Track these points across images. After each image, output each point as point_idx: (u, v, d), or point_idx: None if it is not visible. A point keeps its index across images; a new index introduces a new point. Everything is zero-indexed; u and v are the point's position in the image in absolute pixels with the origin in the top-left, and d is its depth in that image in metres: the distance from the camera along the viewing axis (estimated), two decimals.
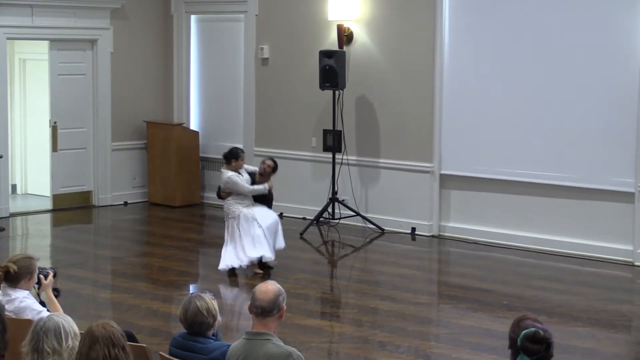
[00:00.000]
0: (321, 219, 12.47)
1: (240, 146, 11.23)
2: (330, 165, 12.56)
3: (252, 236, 9.85)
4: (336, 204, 12.49)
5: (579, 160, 10.91)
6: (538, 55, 11.11)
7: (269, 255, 9.90)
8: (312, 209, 12.69)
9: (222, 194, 10.14)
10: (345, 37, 12.51)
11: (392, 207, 12.27)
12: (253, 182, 10.14)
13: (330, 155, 12.60)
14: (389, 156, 12.33)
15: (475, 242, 11.49)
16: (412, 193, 12.13)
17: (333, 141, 12.62)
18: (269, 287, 4.84)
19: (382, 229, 12.18)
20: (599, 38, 10.69)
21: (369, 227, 12.29)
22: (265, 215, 10.05)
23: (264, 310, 4.78)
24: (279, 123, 13.36)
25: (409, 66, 12.10)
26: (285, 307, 4.86)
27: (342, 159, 12.59)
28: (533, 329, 4.03)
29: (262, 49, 13.42)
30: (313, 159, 13.03)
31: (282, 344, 4.77)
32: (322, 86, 12.23)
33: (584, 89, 10.81)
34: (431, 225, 11.99)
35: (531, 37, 11.16)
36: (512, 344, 4.05)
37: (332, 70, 12.08)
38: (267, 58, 13.42)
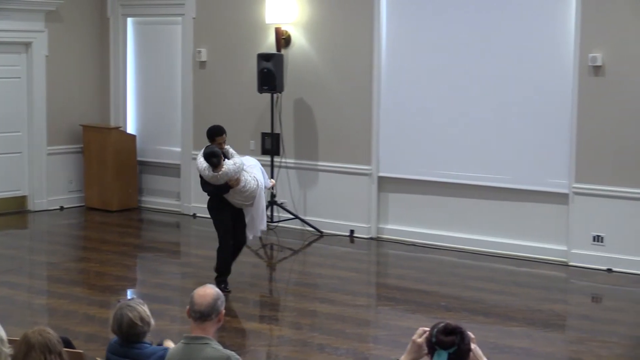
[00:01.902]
0: None
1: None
2: (269, 169, 12.55)
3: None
4: (275, 207, 12.49)
5: (515, 161, 11.05)
6: (474, 57, 11.23)
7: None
8: None
9: (233, 183, 9.20)
10: (283, 40, 12.52)
11: (330, 210, 12.30)
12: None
13: (268, 158, 12.59)
14: (327, 159, 12.36)
15: (413, 244, 11.57)
16: (351, 195, 12.17)
17: (271, 144, 12.62)
18: (208, 292, 4.83)
19: (321, 232, 12.21)
20: (534, 39, 10.83)
21: (307, 230, 12.31)
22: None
23: (202, 315, 4.77)
24: None
25: (346, 69, 12.15)
26: (224, 311, 4.85)
27: (280, 162, 12.61)
28: (443, 323, 4.07)
29: (199, 52, 13.37)
30: None
31: (221, 347, 4.77)
32: (260, 89, 12.23)
33: (519, 90, 10.95)
34: (369, 228, 12.04)
35: (467, 39, 11.27)
36: (429, 346, 4.07)
37: (270, 73, 12.09)
38: (205, 61, 13.37)
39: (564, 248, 10.73)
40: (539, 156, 10.87)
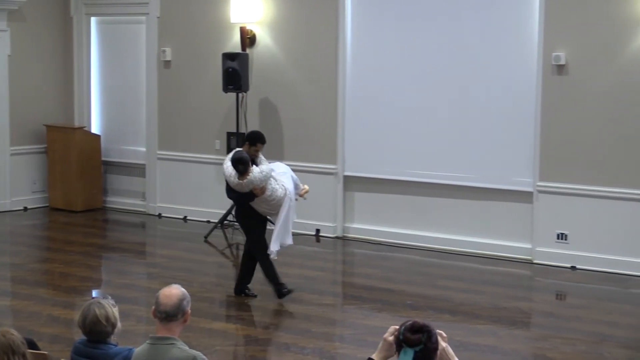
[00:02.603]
0: (225, 221, 12.42)
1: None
2: None
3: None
4: None
5: (479, 160, 11.10)
6: (439, 57, 11.27)
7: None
8: (216, 212, 12.63)
9: (258, 191, 8.82)
10: (248, 39, 12.49)
11: (298, 209, 12.26)
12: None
13: None
14: (293, 158, 12.33)
15: (379, 243, 11.59)
16: (316, 195, 12.13)
17: (237, 144, 12.58)
18: (173, 292, 4.80)
19: None
20: (499, 38, 10.89)
21: (272, 230, 12.26)
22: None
23: (168, 315, 4.74)
24: (182, 126, 13.28)
25: (312, 68, 12.15)
26: (189, 311, 4.83)
27: None
28: (411, 321, 4.07)
29: (164, 51, 13.32)
30: (217, 162, 12.96)
31: (187, 348, 4.75)
32: (226, 89, 12.20)
33: (484, 89, 11.00)
34: (335, 227, 12.06)
35: (432, 39, 11.31)
36: (397, 343, 4.07)
37: (235, 72, 12.06)
38: (170, 61, 13.32)
39: (529, 246, 10.80)
40: (503, 155, 10.93)
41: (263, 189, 8.76)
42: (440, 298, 9.31)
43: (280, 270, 10.73)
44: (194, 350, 4.73)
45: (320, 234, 12.09)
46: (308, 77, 12.20)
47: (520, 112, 10.78)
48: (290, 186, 9.07)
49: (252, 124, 12.51)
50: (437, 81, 11.30)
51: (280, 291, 9.07)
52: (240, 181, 8.67)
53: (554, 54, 10.43)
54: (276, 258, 9.10)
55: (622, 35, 10.10)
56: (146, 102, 13.65)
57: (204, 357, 4.71)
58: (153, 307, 4.80)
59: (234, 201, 9.15)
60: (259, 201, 8.87)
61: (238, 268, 9.53)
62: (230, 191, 8.93)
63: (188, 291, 4.88)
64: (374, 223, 11.84)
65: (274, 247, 9.03)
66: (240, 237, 12.10)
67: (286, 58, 12.35)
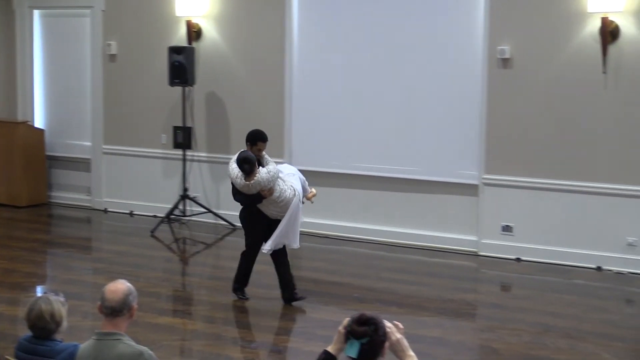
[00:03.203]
0: (172, 216, 12.38)
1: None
2: (181, 162, 12.49)
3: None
4: (187, 201, 12.43)
5: (425, 153, 11.17)
6: (386, 51, 11.31)
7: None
8: (162, 207, 12.59)
9: (266, 193, 8.48)
10: (194, 32, 12.44)
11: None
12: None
13: (180, 152, 12.52)
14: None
15: (327, 236, 11.62)
16: None
17: (183, 138, 12.55)
18: (119, 287, 4.78)
19: (234, 225, 12.18)
20: (444, 31, 10.96)
21: (220, 224, 12.27)
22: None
23: (113, 310, 4.72)
24: (128, 120, 13.19)
25: (258, 62, 12.13)
26: (136, 306, 4.81)
27: (192, 155, 12.54)
28: (359, 313, 4.09)
29: (109, 45, 13.21)
30: (163, 156, 12.93)
31: (134, 343, 4.73)
32: (172, 82, 12.15)
33: (430, 83, 11.07)
34: None
35: (378, 32, 11.35)
36: (345, 335, 4.09)
37: (182, 66, 12.01)
38: (115, 54, 13.22)
39: (475, 238, 10.90)
40: (449, 148, 11.01)
41: (271, 190, 8.39)
42: (386, 290, 9.36)
43: (227, 264, 10.74)
44: (140, 346, 4.72)
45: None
46: (255, 71, 12.19)
47: (466, 105, 10.87)
48: (299, 187, 8.72)
49: (198, 118, 12.48)
50: (384, 75, 11.35)
51: (235, 291, 8.97)
52: (247, 182, 8.30)
53: (499, 47, 10.53)
54: (266, 252, 8.78)
55: (566, 29, 10.22)
56: (91, 97, 13.53)
57: (151, 352, 4.69)
58: (99, 302, 4.78)
59: (241, 204, 8.68)
60: (267, 203, 8.50)
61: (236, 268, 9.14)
62: (237, 194, 8.55)
63: (134, 286, 4.86)
64: (321, 216, 11.85)
65: (270, 245, 8.68)
66: (186, 232, 12.07)
67: (232, 52, 12.32)
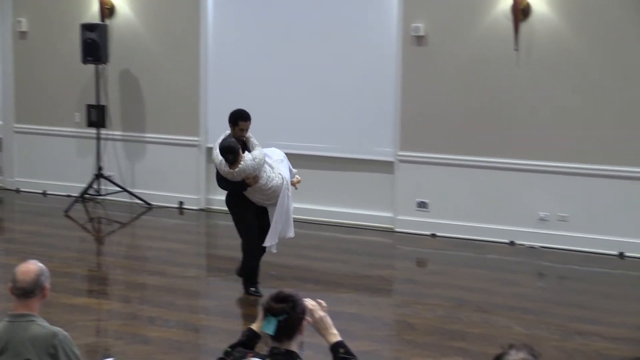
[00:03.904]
0: (86, 195, 12.23)
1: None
2: (95, 141, 12.34)
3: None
4: (102, 180, 12.29)
5: (341, 131, 11.21)
6: (301, 30, 11.31)
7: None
8: (76, 186, 12.43)
9: (251, 181, 8.07)
10: (107, 9, 12.27)
11: (159, 182, 12.20)
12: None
13: (94, 130, 12.36)
14: (154, 131, 12.24)
15: None
16: (179, 167, 12.10)
17: (97, 116, 12.39)
18: (30, 267, 4.71)
19: (150, 204, 12.10)
20: (358, 9, 10.99)
21: (136, 203, 12.18)
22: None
23: (25, 291, 4.65)
24: (41, 99, 12.97)
25: (173, 39, 12.03)
26: (48, 286, 4.75)
27: (107, 134, 12.40)
28: (277, 291, 4.11)
29: (19, 21, 12.95)
30: (77, 135, 12.75)
31: (47, 324, 4.67)
32: (85, 60, 11.98)
33: (345, 61, 11.10)
34: (199, 199, 12.02)
35: (294, 10, 11.33)
36: (263, 312, 4.10)
37: (94, 43, 11.84)
38: (26, 31, 12.97)
39: (390, 215, 10.99)
40: (365, 125, 11.07)
41: (256, 178, 8.00)
42: (303, 268, 9.39)
43: (143, 243, 10.68)
44: (54, 327, 4.66)
45: (184, 207, 12.03)
46: (169, 49, 12.08)
47: (381, 83, 10.93)
48: (287, 174, 8.37)
49: (113, 96, 12.33)
50: (299, 53, 11.34)
51: (247, 289, 8.42)
52: (232, 170, 7.91)
53: (413, 24, 10.60)
54: (275, 251, 8.40)
55: (479, 7, 10.33)
56: (1, 74, 13.26)
57: (66, 333, 4.64)
58: (10, 284, 4.70)
59: (225, 190, 8.28)
60: (253, 190, 8.10)
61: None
62: (221, 180, 8.14)
63: (48, 266, 4.79)
64: None
65: (271, 241, 8.28)
66: (101, 211, 11.95)
67: (146, 29, 12.18)
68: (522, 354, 3.17)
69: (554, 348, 7.06)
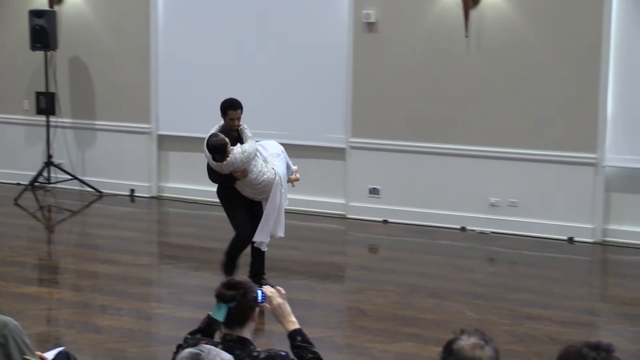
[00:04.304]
0: (36, 183, 12.11)
1: None
2: (45, 129, 12.21)
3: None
4: (52, 167, 12.17)
5: (293, 117, 11.20)
6: (251, 15, 11.27)
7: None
8: (26, 174, 12.30)
9: (239, 174, 7.80)
10: None
11: (110, 170, 12.11)
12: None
13: (44, 118, 12.24)
14: (105, 118, 12.15)
15: (195, 202, 11.56)
16: (130, 155, 12.03)
17: (46, 103, 12.26)
18: None
19: (101, 192, 12.02)
20: None
21: (86, 191, 12.08)
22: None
23: None
24: None
25: (123, 26, 11.93)
26: None
27: (56, 121, 12.27)
28: (229, 277, 4.11)
29: None
30: (26, 122, 12.61)
31: None
32: (33, 47, 11.84)
33: (296, 47, 11.09)
34: (150, 187, 11.95)
35: None
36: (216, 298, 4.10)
37: (43, 30, 11.71)
38: None
39: (342, 201, 11.01)
40: (316, 112, 11.07)
41: (245, 172, 7.72)
42: None
43: (94, 231, 10.62)
44: (4, 316, 4.62)
45: (135, 194, 11.96)
46: (119, 36, 11.98)
47: (333, 69, 10.93)
48: (282, 170, 8.02)
49: (62, 84, 12.21)
50: (250, 39, 11.31)
51: (254, 277, 8.01)
52: (220, 163, 7.69)
53: (364, 11, 10.61)
54: (265, 249, 8.11)
55: None
56: None
57: (16, 322, 4.60)
58: None
59: (215, 183, 8.02)
60: (243, 184, 7.84)
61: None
62: (211, 172, 7.90)
63: None
64: (189, 182, 11.78)
65: (261, 237, 7.98)
66: (51, 199, 11.84)
67: (96, 15, 12.06)
68: (473, 339, 3.20)
69: (505, 332, 7.14)
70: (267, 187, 7.86)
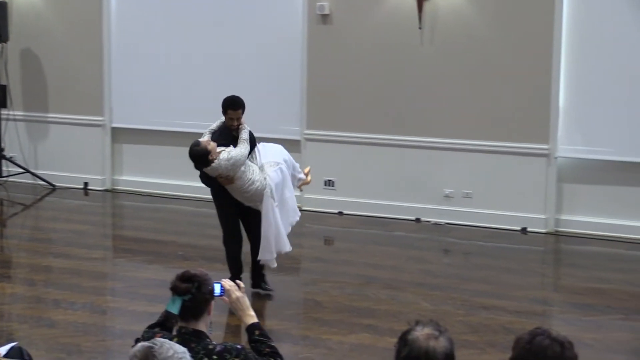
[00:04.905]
0: None
1: None
2: None
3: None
4: (3, 161, 12.04)
5: (248, 110, 11.11)
6: (206, 7, 11.22)
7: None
8: None
9: (223, 181, 7.51)
10: None
11: (63, 163, 12.01)
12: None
13: None
14: (58, 110, 12.04)
15: (149, 195, 11.51)
16: (84, 147, 11.93)
17: None
18: None
19: (54, 185, 11.91)
20: None
21: (39, 184, 11.97)
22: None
23: None
24: None
25: (75, 17, 11.83)
26: None
27: (8, 114, 12.14)
28: (183, 270, 4.10)
29: None
30: None
31: None
32: None
33: (251, 39, 11.06)
34: (104, 180, 11.87)
35: None
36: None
37: None
38: None
39: (297, 193, 10.97)
40: (271, 104, 11.05)
41: (230, 179, 7.40)
42: (211, 247, 9.34)
43: (47, 225, 10.53)
44: None
45: (89, 187, 11.88)
46: (71, 27, 11.87)
47: (287, 61, 10.92)
48: (277, 181, 7.60)
49: (13, 76, 12.08)
50: (204, 31, 11.26)
51: (258, 285, 7.97)
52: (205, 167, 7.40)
53: (318, 3, 10.61)
54: (275, 266, 7.80)
55: None
56: None
57: None
58: None
59: (206, 185, 7.73)
60: (231, 188, 7.52)
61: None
62: (202, 174, 7.61)
63: None
64: (143, 175, 11.73)
65: (266, 256, 7.66)
66: (3, 193, 11.71)
67: (47, 7, 11.94)
68: (427, 330, 3.22)
69: (460, 323, 7.19)
70: (255, 197, 7.53)
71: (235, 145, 7.48)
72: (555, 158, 9.96)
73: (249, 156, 7.55)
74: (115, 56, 11.74)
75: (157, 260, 8.92)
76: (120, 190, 11.82)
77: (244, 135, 7.56)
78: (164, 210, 10.96)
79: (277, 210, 7.62)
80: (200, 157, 7.32)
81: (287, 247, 7.77)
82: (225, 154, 7.34)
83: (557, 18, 9.78)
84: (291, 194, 7.91)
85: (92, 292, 7.93)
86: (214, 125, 7.78)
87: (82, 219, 10.61)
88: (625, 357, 6.64)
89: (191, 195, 11.35)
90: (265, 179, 7.52)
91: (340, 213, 10.75)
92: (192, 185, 11.39)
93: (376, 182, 10.63)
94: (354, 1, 10.53)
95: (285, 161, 7.84)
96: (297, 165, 8.07)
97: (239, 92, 11.03)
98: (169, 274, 4.01)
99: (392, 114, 10.50)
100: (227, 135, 7.59)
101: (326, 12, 10.58)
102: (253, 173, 7.47)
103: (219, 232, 9.89)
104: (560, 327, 6.69)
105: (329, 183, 10.84)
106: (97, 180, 11.89)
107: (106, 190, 11.83)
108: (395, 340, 3.27)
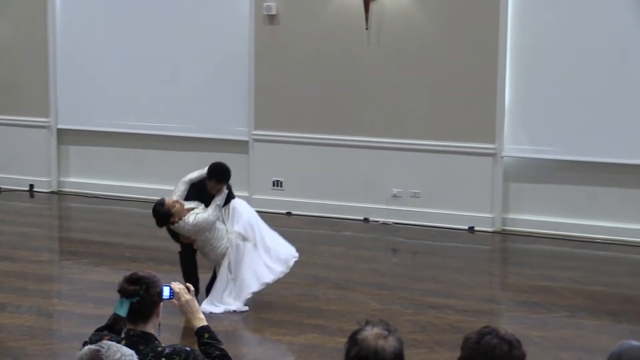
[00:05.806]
0: None
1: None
2: None
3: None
4: None
5: (195, 110, 11.14)
6: (153, 7, 11.16)
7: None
8: None
9: (184, 239, 7.56)
10: None
11: (8, 165, 11.87)
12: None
13: None
14: (2, 112, 11.90)
15: (96, 196, 11.42)
16: (29, 149, 11.81)
17: None
18: None
19: (0, 189, 11.78)
20: None
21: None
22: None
23: None
24: None
25: (18, 16, 11.70)
26: None
27: None
28: (132, 272, 4.08)
29: None
30: None
31: None
32: None
33: (198, 40, 11.03)
34: (50, 182, 11.76)
35: None
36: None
37: None
38: None
39: (246, 194, 10.98)
40: (218, 105, 11.03)
41: (192, 240, 7.47)
42: (159, 249, 9.28)
43: None
44: None
45: (34, 190, 11.75)
46: (14, 27, 11.73)
47: (234, 62, 10.90)
48: (235, 255, 7.50)
49: None
50: (151, 31, 11.20)
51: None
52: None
53: (265, 4, 10.60)
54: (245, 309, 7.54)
55: None
56: None
57: None
58: None
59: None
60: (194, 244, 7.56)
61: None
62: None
63: None
64: (90, 176, 11.63)
65: (205, 306, 7.31)
66: None
67: None
68: (377, 329, 3.23)
69: (409, 322, 7.22)
70: (215, 261, 7.57)
71: (208, 204, 7.45)
72: (502, 157, 10.05)
73: (222, 212, 7.54)
74: (61, 56, 11.63)
75: (105, 263, 8.85)
76: (67, 192, 11.71)
77: (218, 200, 7.52)
78: (111, 212, 10.87)
79: (261, 266, 7.56)
80: (161, 217, 7.39)
81: (281, 270, 7.68)
82: (192, 218, 7.32)
83: (502, 18, 9.87)
84: (273, 243, 7.80)
85: (39, 295, 7.85)
86: (195, 175, 7.73)
87: (27, 221, 10.49)
88: (572, 354, 6.72)
89: (138, 196, 11.28)
90: (227, 248, 7.50)
91: (288, 213, 10.75)
92: (139, 186, 11.37)
93: (324, 183, 10.64)
94: (301, 2, 10.53)
95: (253, 225, 7.68)
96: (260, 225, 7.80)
97: (186, 93, 11.08)
98: (117, 276, 3.98)
99: (340, 114, 10.52)
100: (204, 194, 7.55)
101: (273, 12, 10.58)
102: (217, 239, 7.46)
103: (167, 233, 9.86)
104: (508, 325, 6.75)
105: (277, 183, 10.84)
106: (43, 182, 11.77)
107: (52, 192, 11.72)
108: (344, 340, 3.28)
